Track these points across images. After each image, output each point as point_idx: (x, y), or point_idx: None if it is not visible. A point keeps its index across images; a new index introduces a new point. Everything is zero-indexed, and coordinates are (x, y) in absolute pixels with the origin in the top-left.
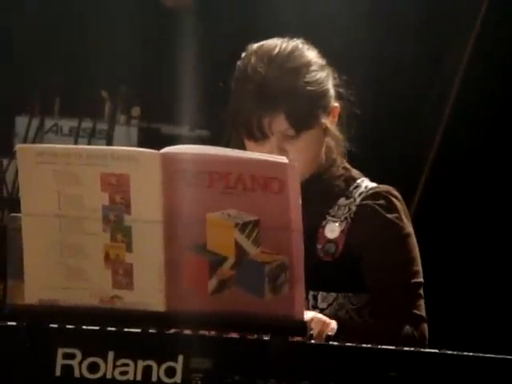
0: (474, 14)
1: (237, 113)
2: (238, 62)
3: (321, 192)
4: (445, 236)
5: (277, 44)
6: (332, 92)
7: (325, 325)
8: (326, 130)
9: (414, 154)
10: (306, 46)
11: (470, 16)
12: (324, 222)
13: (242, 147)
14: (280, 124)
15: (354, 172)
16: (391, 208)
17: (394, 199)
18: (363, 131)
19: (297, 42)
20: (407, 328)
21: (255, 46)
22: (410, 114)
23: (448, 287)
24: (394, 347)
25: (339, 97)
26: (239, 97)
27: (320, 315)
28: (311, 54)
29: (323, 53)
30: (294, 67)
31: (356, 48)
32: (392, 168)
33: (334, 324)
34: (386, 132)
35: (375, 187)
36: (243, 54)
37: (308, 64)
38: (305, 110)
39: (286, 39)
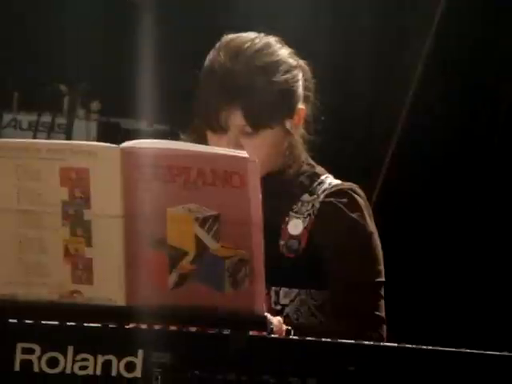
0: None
1: (199, 102)
2: (210, 52)
3: (284, 188)
4: (406, 233)
5: (249, 39)
6: (300, 94)
7: (286, 329)
8: (287, 131)
9: (375, 151)
10: (279, 45)
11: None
12: (287, 218)
13: (203, 137)
14: (236, 119)
15: (319, 168)
16: (354, 206)
17: (357, 197)
18: (327, 128)
19: (270, 39)
20: (367, 330)
21: (228, 37)
22: (369, 112)
23: (410, 285)
24: (352, 341)
25: (307, 99)
26: (203, 87)
27: (279, 317)
28: (283, 53)
29: (300, 51)
30: (260, 65)
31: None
32: (354, 165)
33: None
34: (347, 128)
35: (339, 184)
36: (216, 45)
37: (277, 63)
38: (264, 109)
39: (261, 35)
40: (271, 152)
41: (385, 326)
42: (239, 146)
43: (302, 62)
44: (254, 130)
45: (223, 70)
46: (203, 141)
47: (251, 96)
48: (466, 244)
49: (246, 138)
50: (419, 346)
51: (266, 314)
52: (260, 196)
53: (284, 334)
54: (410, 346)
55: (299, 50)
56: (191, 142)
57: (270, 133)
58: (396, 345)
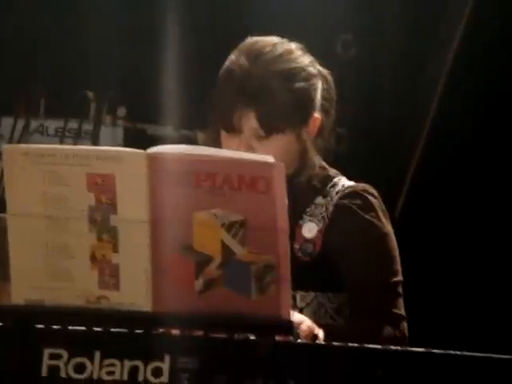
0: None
1: (215, 101)
2: (231, 53)
3: (297, 191)
4: (428, 234)
5: (271, 43)
6: (317, 103)
7: (313, 335)
8: (300, 138)
9: (400, 155)
10: (300, 52)
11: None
12: (301, 222)
13: (217, 136)
14: (250, 121)
15: (331, 171)
16: (368, 207)
17: (371, 198)
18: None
19: (292, 46)
20: (388, 328)
21: (251, 40)
22: (396, 116)
23: (429, 285)
24: (380, 346)
25: (324, 110)
26: (220, 87)
27: (309, 321)
28: (304, 61)
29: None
30: (278, 70)
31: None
32: (378, 167)
33: (321, 334)
34: (372, 131)
35: (352, 186)
36: (239, 46)
37: (296, 70)
38: (278, 114)
39: (284, 40)
40: (283, 157)
41: (405, 323)
42: (251, 149)
43: (324, 71)
44: (266, 133)
45: (242, 71)
46: (219, 140)
47: (267, 100)
48: (488, 252)
49: (258, 141)
50: (447, 351)
51: (294, 318)
52: (286, 201)
53: (311, 339)
54: (437, 351)
55: (325, 60)
56: (208, 140)
57: (283, 138)
58: (423, 350)
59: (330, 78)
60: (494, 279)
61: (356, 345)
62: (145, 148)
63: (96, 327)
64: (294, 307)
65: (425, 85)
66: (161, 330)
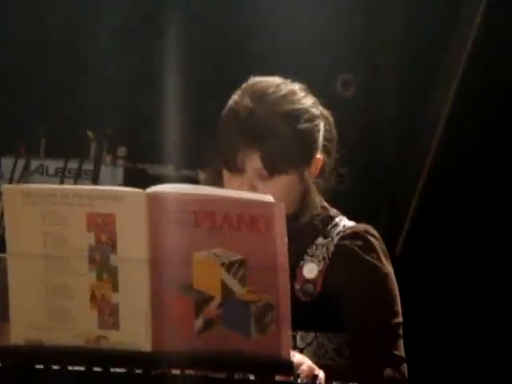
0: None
1: (218, 141)
2: (235, 92)
3: (298, 232)
4: (428, 273)
5: (275, 84)
6: (319, 143)
7: (313, 375)
8: (302, 179)
9: (400, 191)
10: (303, 93)
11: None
12: (302, 262)
13: (217, 177)
14: (254, 162)
15: (332, 211)
16: (369, 248)
17: (371, 239)
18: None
19: (296, 87)
20: (388, 370)
21: (254, 80)
22: (396, 154)
23: (427, 326)
24: None
25: (326, 151)
26: (224, 127)
27: (309, 362)
28: (307, 102)
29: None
30: (283, 111)
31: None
32: (379, 205)
33: (321, 374)
34: (371, 168)
35: (353, 226)
36: (242, 86)
37: (299, 111)
38: (282, 155)
39: (287, 81)
40: (285, 197)
41: (405, 365)
42: (254, 189)
43: (325, 112)
44: (270, 174)
45: (246, 111)
46: (221, 179)
47: (271, 141)
48: (488, 295)
49: (261, 182)
50: None
51: (294, 358)
52: (286, 240)
53: (311, 379)
54: None
55: (324, 98)
56: (209, 180)
57: (286, 178)
58: None
59: (331, 118)
60: (495, 323)
61: None
62: (145, 188)
63: (95, 367)
64: (295, 348)
65: (425, 123)
66: (160, 370)
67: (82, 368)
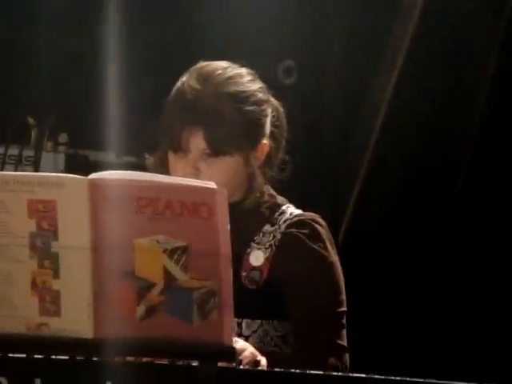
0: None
1: (164, 121)
2: (182, 76)
3: (245, 219)
4: (374, 261)
5: (222, 67)
6: (266, 129)
7: (255, 361)
8: (247, 162)
9: (343, 181)
10: (251, 77)
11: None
12: (249, 249)
13: (165, 161)
14: (198, 141)
15: (279, 198)
16: (316, 237)
17: (318, 227)
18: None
19: (243, 71)
20: (331, 359)
21: (202, 64)
22: (338, 141)
23: (370, 315)
24: (321, 372)
25: (273, 137)
26: (170, 106)
27: (252, 349)
28: (254, 86)
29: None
30: (228, 92)
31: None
32: (321, 193)
33: (263, 361)
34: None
35: (300, 214)
36: (190, 69)
37: (245, 93)
38: (226, 135)
39: (235, 65)
40: (229, 180)
41: (348, 355)
42: (197, 170)
43: (273, 100)
44: (213, 154)
45: (191, 91)
46: (166, 165)
47: (215, 120)
48: (433, 284)
49: (205, 163)
50: (387, 377)
51: (237, 345)
52: (228, 227)
53: (253, 365)
54: (378, 376)
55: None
56: (156, 164)
57: (230, 160)
58: (364, 375)
59: (280, 108)
60: (439, 310)
61: (298, 371)
62: (87, 174)
63: (37, 354)
64: (240, 335)
65: (367, 110)
66: (102, 357)
67: (23, 355)
